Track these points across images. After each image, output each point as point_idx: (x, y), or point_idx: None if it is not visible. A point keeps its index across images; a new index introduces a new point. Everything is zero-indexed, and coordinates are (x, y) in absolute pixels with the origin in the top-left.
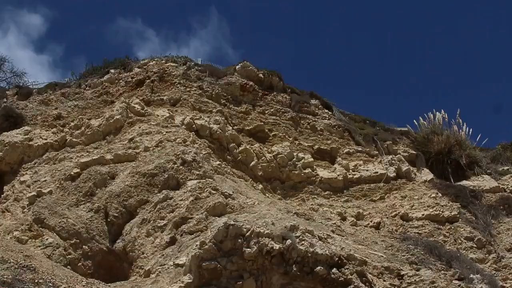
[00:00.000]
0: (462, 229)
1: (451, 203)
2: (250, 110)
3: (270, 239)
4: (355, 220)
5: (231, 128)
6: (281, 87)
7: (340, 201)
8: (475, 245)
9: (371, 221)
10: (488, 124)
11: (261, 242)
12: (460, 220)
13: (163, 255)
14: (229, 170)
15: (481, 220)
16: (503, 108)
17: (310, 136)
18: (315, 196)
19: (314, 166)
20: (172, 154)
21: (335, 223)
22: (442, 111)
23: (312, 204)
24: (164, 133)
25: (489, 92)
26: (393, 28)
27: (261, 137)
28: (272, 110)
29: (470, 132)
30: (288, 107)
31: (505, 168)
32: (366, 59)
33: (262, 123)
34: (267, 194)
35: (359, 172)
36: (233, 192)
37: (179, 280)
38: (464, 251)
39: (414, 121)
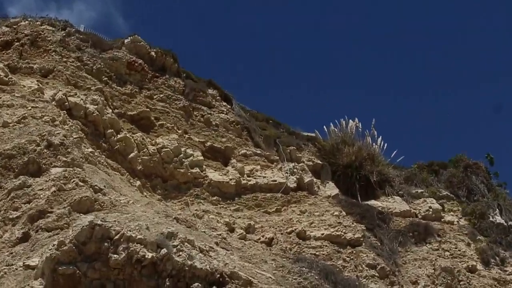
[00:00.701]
0: (364, 255)
1: (355, 224)
2: (136, 93)
3: (143, 246)
4: (244, 233)
5: (110, 111)
6: (175, 70)
7: (230, 209)
8: (377, 274)
9: (262, 236)
10: (405, 140)
11: (131, 249)
12: (363, 244)
13: (12, 253)
14: (102, 160)
15: (386, 247)
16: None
17: (202, 131)
18: (201, 200)
19: (204, 166)
20: (36, 134)
21: (220, 234)
22: (356, 119)
23: (196, 210)
24: (30, 108)
25: (408, 103)
26: (310, 19)
27: (145, 126)
28: (161, 95)
29: (385, 147)
30: (180, 94)
31: (419, 191)
32: (279, 52)
33: (148, 109)
34: (145, 193)
35: (255, 178)
36: (104, 186)
37: (28, 285)
38: (365, 280)
39: (324, 127)
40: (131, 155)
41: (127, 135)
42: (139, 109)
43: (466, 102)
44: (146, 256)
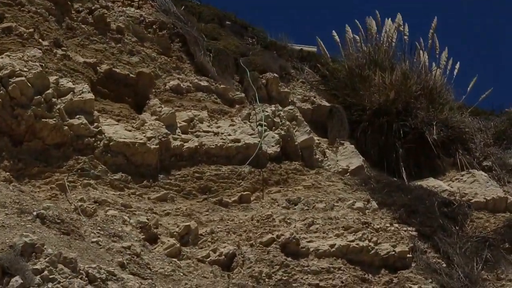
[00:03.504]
0: (414, 285)
1: (396, 225)
2: None
3: None
4: (177, 245)
5: None
6: None
7: (148, 198)
8: None
9: (214, 251)
10: (490, 64)
11: None
12: (413, 265)
13: None
14: None
15: (459, 270)
16: None
17: (91, 42)
18: (91, 181)
19: (95, 113)
20: None
21: (130, 247)
22: (399, 16)
23: (82, 199)
24: None
25: None
26: None
27: None
28: None
29: (456, 73)
30: None
31: None
32: None
33: None
34: None
35: (197, 136)
36: None
37: None
38: None
39: (334, 33)
40: None
41: None
42: None
43: None
44: None
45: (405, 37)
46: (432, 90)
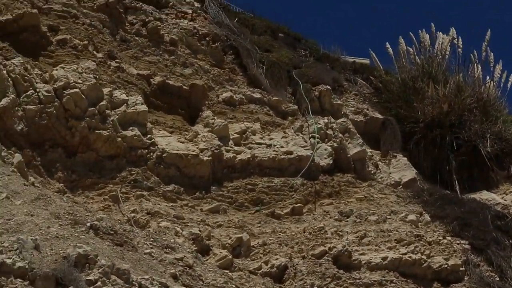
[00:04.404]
0: None
1: (449, 238)
2: None
3: (27, 283)
4: (229, 257)
5: None
6: None
7: (201, 209)
8: None
9: (266, 263)
10: None
11: None
12: (466, 278)
13: None
14: None
15: None
16: None
17: (145, 54)
18: (144, 192)
19: (149, 124)
20: None
21: (182, 259)
22: (453, 30)
23: (134, 210)
24: None
25: None
26: None
27: (29, 43)
28: None
29: (510, 84)
30: None
31: None
32: None
33: (35, 10)
34: (31, 177)
35: (249, 147)
36: None
37: None
38: None
39: (387, 45)
40: (3, 102)
41: None
42: (16, 12)
43: None
44: None
45: (459, 49)
46: (486, 103)
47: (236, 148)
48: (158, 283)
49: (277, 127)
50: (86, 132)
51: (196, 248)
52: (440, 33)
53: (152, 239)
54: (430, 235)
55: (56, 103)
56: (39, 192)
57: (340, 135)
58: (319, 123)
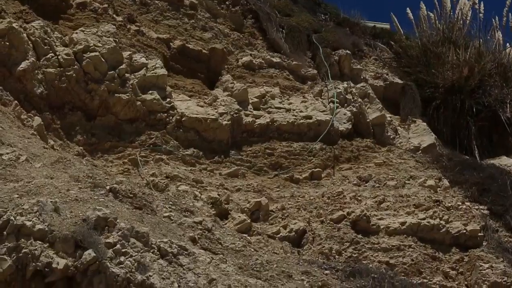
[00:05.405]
0: (487, 266)
1: (468, 203)
2: None
3: (47, 245)
4: (248, 221)
5: None
6: None
7: (220, 173)
8: None
9: (284, 227)
10: None
11: (23, 250)
12: (485, 243)
13: None
14: None
15: None
16: None
17: (164, 17)
18: (163, 156)
19: (168, 88)
20: None
21: (201, 223)
22: None
23: (154, 174)
24: None
25: None
26: None
27: (49, 7)
28: None
29: None
30: None
31: None
32: None
33: None
34: (51, 140)
35: (269, 112)
36: None
37: None
38: None
39: (408, 10)
40: (23, 65)
41: (14, 25)
42: None
43: None
44: (55, 265)
45: (480, 14)
46: (506, 68)
47: (255, 112)
48: (177, 246)
49: (296, 91)
50: (105, 96)
51: (214, 212)
52: None
53: (171, 203)
54: (448, 200)
55: (76, 67)
56: (59, 155)
57: (360, 99)
58: (339, 88)
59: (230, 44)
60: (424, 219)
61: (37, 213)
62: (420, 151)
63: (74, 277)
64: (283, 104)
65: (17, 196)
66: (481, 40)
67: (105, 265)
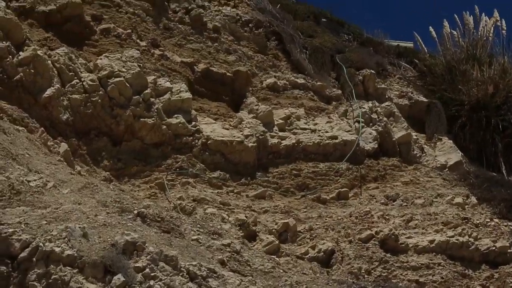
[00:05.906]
0: None
1: (497, 220)
2: None
3: (76, 270)
4: (276, 242)
5: (4, 4)
6: None
7: (246, 195)
8: None
9: (313, 247)
10: None
11: (53, 276)
12: None
13: None
14: None
15: None
16: None
17: (188, 41)
18: (190, 179)
19: (193, 112)
20: None
21: (229, 245)
22: (496, 12)
23: (181, 197)
24: None
25: None
26: None
27: (73, 34)
28: None
29: None
30: None
31: None
32: None
33: (78, 1)
34: (77, 166)
35: (294, 133)
36: None
37: None
38: None
39: (431, 29)
40: (48, 92)
41: (39, 52)
42: (60, 3)
43: None
44: None
45: (503, 31)
46: None
47: (280, 133)
48: (206, 269)
49: (321, 112)
50: (131, 120)
51: (242, 234)
52: (484, 15)
53: (199, 226)
54: (477, 217)
55: (101, 92)
56: (86, 180)
57: (385, 119)
58: (364, 107)
59: (254, 66)
60: (452, 236)
61: (66, 239)
62: (447, 169)
63: None
64: (308, 125)
65: (45, 222)
66: (505, 56)
67: None
